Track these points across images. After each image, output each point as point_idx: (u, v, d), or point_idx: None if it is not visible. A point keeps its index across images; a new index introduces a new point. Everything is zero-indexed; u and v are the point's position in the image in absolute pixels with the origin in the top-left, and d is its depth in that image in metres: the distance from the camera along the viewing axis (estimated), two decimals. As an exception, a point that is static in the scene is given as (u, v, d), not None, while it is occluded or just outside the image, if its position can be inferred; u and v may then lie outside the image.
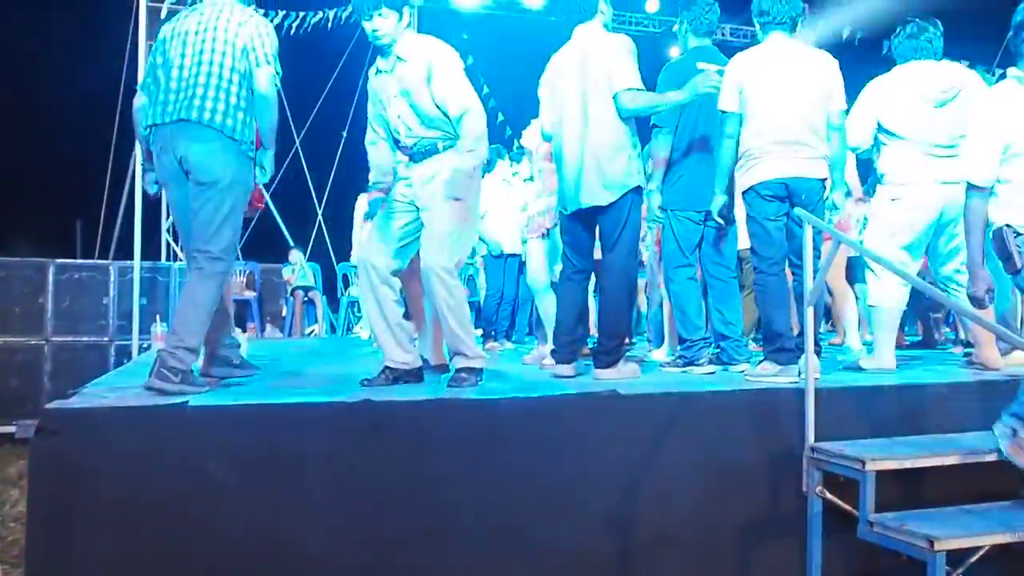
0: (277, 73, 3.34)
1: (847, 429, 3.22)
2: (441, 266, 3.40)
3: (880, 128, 4.08)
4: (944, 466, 3.01)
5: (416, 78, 3.45)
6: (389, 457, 2.80)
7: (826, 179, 3.82)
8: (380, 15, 3.42)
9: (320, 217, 11.72)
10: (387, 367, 3.53)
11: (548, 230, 4.89)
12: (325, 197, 11.66)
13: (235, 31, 3.27)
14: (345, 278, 9.65)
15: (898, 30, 4.18)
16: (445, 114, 3.47)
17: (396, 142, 3.66)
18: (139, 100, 3.44)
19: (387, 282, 3.53)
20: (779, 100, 3.72)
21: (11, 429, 7.79)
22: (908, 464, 2.93)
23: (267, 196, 4.49)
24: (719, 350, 4.22)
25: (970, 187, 3.02)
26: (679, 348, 4.24)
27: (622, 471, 3.01)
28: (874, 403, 3.43)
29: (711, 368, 4.06)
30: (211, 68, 3.22)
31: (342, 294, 9.88)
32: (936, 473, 3.04)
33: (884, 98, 4.08)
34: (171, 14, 8.98)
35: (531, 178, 5.73)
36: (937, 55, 4.11)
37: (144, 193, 8.55)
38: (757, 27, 3.98)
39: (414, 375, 3.57)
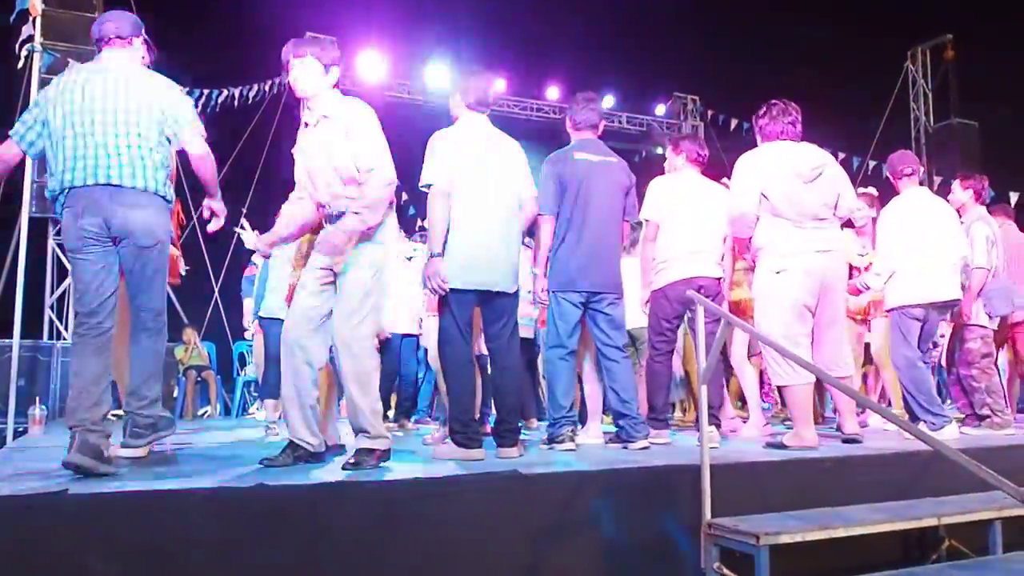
0: (201, 131, 3.42)
1: (743, 504, 3.28)
2: (351, 336, 3.35)
3: (760, 202, 4.26)
4: (834, 538, 3.10)
5: (336, 136, 3.44)
6: (283, 544, 2.69)
7: (721, 279, 4.68)
8: (301, 62, 3.43)
9: (216, 295, 11.42)
10: (292, 443, 3.45)
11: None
12: (222, 274, 11.40)
13: (149, 98, 3.31)
14: (242, 357, 9.37)
15: (764, 110, 4.41)
16: None
17: (317, 201, 3.63)
18: (12, 150, 3.33)
19: (309, 362, 3.46)
20: (687, 218, 4.61)
21: None
22: (799, 538, 3.00)
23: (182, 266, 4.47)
24: (619, 428, 4.29)
25: None
26: (545, 425, 4.37)
27: (523, 551, 2.97)
28: (768, 478, 3.52)
29: (571, 445, 4.16)
30: (131, 131, 3.25)
31: (238, 374, 9.58)
32: (827, 545, 3.12)
33: (762, 173, 4.26)
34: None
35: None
36: (799, 136, 4.39)
37: (27, 267, 8.22)
38: (674, 157, 4.94)
39: (316, 458, 3.49)
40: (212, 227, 3.67)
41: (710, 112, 14.93)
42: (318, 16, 12.64)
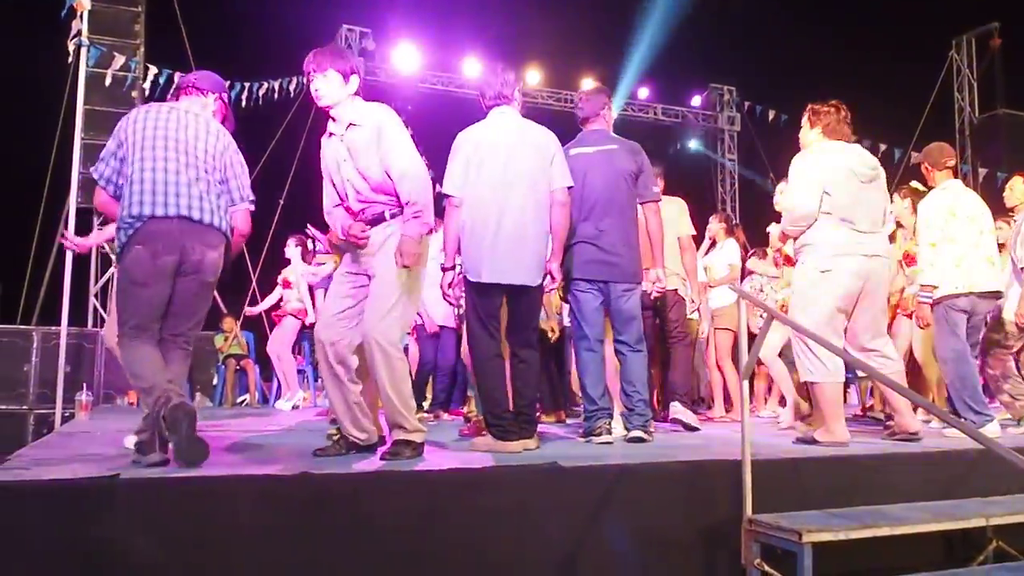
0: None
1: (782, 501, 3.25)
2: (383, 336, 3.37)
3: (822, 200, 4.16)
4: (878, 537, 3.07)
5: (365, 143, 3.46)
6: (325, 533, 2.72)
7: (677, 289, 5.26)
8: (323, 76, 3.47)
9: (255, 284, 11.55)
10: (344, 438, 3.53)
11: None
12: (260, 264, 11.52)
13: (215, 145, 3.40)
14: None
15: (832, 108, 4.32)
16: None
17: (347, 208, 3.63)
18: (104, 196, 3.37)
19: (343, 360, 3.49)
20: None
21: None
22: (843, 536, 2.96)
23: None
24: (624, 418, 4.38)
25: None
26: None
27: (562, 544, 2.98)
28: (809, 474, 3.48)
29: (609, 438, 4.16)
30: (210, 174, 3.34)
31: (276, 363, 9.67)
32: (869, 544, 3.08)
33: (826, 171, 4.17)
34: (115, 80, 8.99)
35: None
36: (850, 137, 4.33)
37: (74, 255, 8.38)
38: None
39: (368, 449, 3.56)
40: None
41: (747, 103, 14.76)
42: (354, 8, 12.72)
